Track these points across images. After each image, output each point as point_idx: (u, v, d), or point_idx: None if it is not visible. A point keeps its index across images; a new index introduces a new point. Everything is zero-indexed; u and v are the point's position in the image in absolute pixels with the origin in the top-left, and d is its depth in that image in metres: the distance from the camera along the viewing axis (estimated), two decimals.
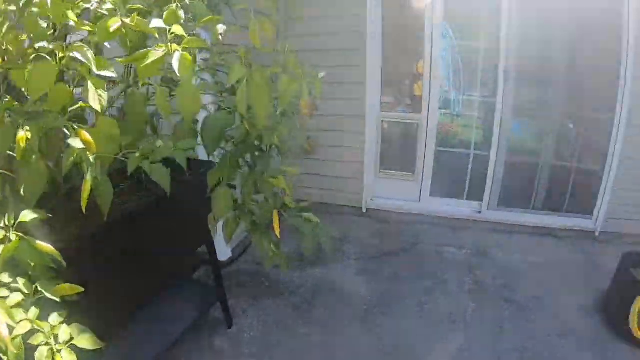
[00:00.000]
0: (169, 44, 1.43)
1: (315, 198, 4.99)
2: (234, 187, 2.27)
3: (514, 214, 4.43)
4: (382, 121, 4.73)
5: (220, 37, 1.69)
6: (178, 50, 1.41)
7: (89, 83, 1.35)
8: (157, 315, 2.64)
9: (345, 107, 4.62)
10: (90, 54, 1.30)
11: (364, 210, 4.85)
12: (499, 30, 4.06)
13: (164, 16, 1.48)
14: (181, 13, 1.52)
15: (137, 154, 1.64)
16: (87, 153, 1.36)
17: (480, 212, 4.48)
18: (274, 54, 2.19)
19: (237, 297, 3.45)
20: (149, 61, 1.37)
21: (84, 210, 1.36)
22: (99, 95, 1.36)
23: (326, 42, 4.53)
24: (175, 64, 1.39)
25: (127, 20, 1.39)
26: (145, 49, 1.40)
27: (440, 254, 4.01)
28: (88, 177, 1.36)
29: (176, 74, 1.42)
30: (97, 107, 1.35)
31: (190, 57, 1.43)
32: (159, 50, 1.40)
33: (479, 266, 3.79)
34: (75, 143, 1.34)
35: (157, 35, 1.46)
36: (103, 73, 1.38)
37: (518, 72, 4.15)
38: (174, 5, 1.52)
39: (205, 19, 1.66)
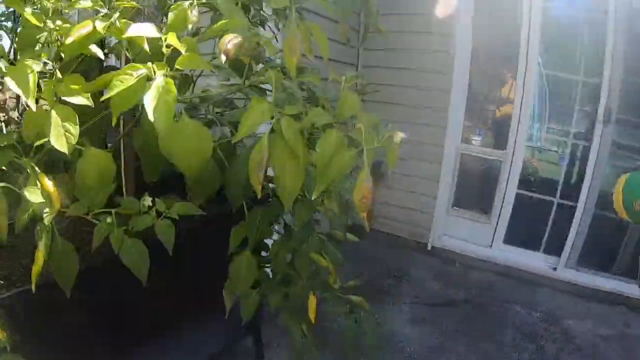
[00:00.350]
0: (153, 63, 1.01)
1: (380, 227, 4.66)
2: (264, 250, 1.81)
3: (593, 276, 3.85)
4: (462, 153, 4.28)
5: (223, 55, 1.12)
6: (161, 75, 0.97)
7: (53, 114, 0.96)
8: (171, 346, 2.35)
9: (424, 134, 4.25)
10: (30, 78, 0.89)
11: (429, 248, 4.44)
12: (602, 66, 3.55)
13: (169, 19, 1.10)
14: (193, 14, 1.13)
15: (109, 219, 1.17)
16: (46, 211, 1.00)
17: (555, 269, 3.95)
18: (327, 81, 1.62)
19: (274, 326, 3.17)
20: (113, 92, 0.94)
21: (33, 289, 1.03)
22: (66, 131, 0.98)
23: (408, 60, 4.25)
24: (148, 102, 0.95)
25: (101, 26, 1.00)
26: (110, 72, 1.00)
27: (505, 311, 3.54)
28: (41, 246, 1.00)
29: None
30: (63, 148, 0.97)
31: (174, 90, 0.99)
32: (133, 74, 0.96)
33: (546, 333, 3.30)
34: (33, 195, 0.97)
35: (146, 49, 1.05)
36: (74, 100, 1.00)
37: (621, 114, 3.61)
38: (187, 2, 1.12)
39: (218, 24, 1.18)
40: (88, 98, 1.03)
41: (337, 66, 4.19)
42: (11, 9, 1.66)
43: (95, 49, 1.08)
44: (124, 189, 1.41)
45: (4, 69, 0.98)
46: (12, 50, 1.48)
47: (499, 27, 4.03)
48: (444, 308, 3.58)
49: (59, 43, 1.10)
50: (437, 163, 4.28)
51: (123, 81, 0.98)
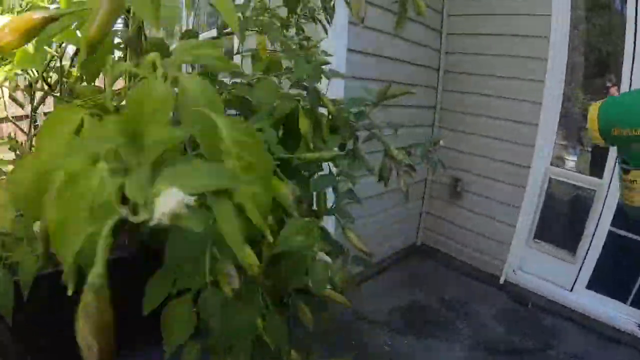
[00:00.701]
0: None
1: (448, 250, 4.32)
2: None
3: None
4: (550, 177, 3.78)
5: None
6: None
7: None
8: None
9: (508, 151, 3.85)
10: None
11: (501, 282, 4.00)
12: None
13: None
14: None
15: None
16: None
17: None
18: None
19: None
20: None
21: None
22: None
23: (495, 66, 3.85)
24: None
25: None
26: None
27: None
28: None
29: None
30: None
31: None
32: None
33: None
34: None
35: None
36: None
37: None
38: None
39: None
40: None
41: (420, 70, 3.92)
42: None
43: None
44: None
45: None
46: None
47: (601, 32, 3.51)
48: (503, 356, 3.19)
49: None
50: (521, 186, 3.82)
51: None
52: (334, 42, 3.11)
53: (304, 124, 1.25)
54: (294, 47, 1.66)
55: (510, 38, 3.69)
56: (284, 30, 1.82)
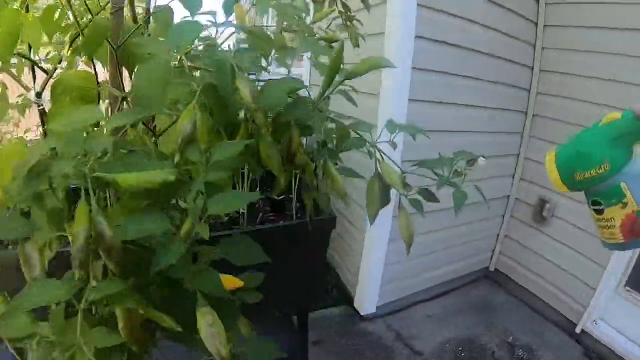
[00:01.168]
0: None
1: (524, 281, 3.87)
2: None
3: None
4: None
5: None
6: None
7: None
8: None
9: None
10: None
11: (577, 331, 3.37)
12: None
13: None
14: None
15: None
16: None
17: None
18: None
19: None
20: None
21: None
22: None
23: (600, 66, 3.19)
24: None
25: None
26: None
27: None
28: None
29: None
30: None
31: None
32: None
33: None
34: None
35: None
36: None
37: None
38: None
39: None
40: None
41: (506, 66, 3.43)
42: None
43: None
44: None
45: None
46: None
47: None
48: None
49: None
50: None
51: None
52: (396, 25, 2.78)
53: (182, 122, 0.89)
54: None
55: (622, 32, 3.01)
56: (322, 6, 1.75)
